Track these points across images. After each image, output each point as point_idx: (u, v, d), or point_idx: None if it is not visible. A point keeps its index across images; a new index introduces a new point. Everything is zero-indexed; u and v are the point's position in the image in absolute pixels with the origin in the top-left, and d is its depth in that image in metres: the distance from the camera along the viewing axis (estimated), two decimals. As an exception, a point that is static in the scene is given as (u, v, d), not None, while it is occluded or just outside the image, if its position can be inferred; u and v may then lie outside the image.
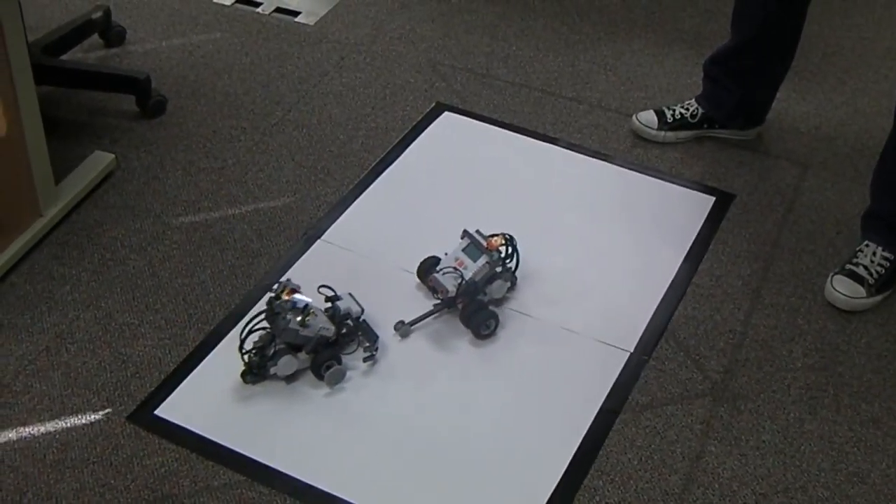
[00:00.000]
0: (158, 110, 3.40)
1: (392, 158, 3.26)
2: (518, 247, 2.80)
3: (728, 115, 3.34)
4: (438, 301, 2.76)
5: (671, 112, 3.36)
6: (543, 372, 2.64)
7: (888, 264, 2.87)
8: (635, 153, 3.33)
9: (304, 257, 2.92)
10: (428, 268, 2.80)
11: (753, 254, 2.99)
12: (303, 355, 2.56)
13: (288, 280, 2.59)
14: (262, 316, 2.54)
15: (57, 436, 2.45)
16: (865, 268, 2.86)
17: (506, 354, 2.68)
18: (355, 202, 3.10)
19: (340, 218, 3.05)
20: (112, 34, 3.70)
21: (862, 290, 2.84)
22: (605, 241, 3.01)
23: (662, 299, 2.85)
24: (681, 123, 3.35)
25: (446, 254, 2.75)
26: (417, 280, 2.83)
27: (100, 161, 3.13)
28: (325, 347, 2.57)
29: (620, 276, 2.91)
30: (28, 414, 2.49)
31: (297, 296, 2.55)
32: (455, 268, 2.71)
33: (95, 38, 3.69)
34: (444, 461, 2.42)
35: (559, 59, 3.75)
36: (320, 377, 2.57)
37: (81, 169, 3.09)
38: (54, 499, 2.32)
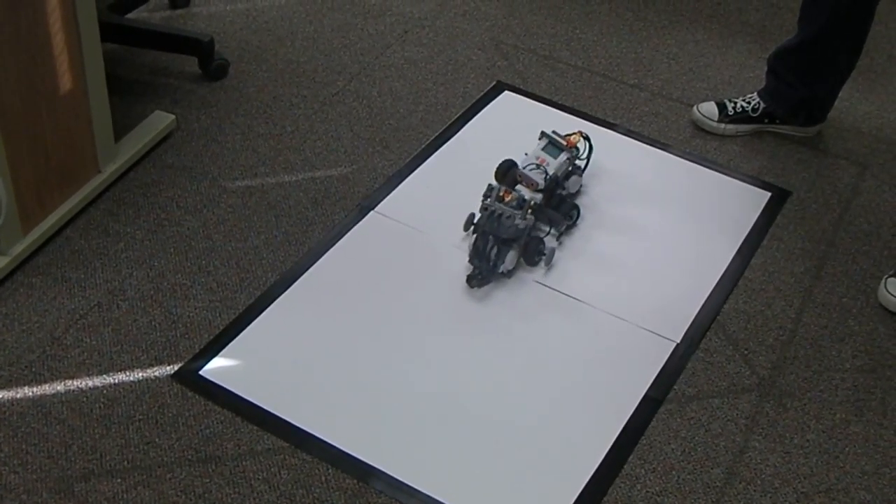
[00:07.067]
0: (220, 73, 3.41)
1: (450, 134, 3.26)
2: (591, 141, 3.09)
3: (790, 111, 3.32)
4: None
5: (732, 105, 3.34)
6: (588, 357, 2.64)
7: (944, 270, 2.86)
8: (694, 144, 3.31)
9: (356, 228, 2.92)
10: (506, 169, 2.98)
11: (807, 252, 2.98)
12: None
13: (497, 185, 2.84)
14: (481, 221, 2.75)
15: (104, 391, 2.47)
16: (920, 272, 2.85)
17: (551, 337, 2.67)
18: (411, 176, 3.10)
19: (395, 191, 3.05)
20: (178, -5, 3.72)
21: (915, 295, 2.83)
22: (658, 230, 3.00)
23: (712, 291, 2.84)
24: (741, 117, 3.33)
25: (526, 154, 2.96)
26: (468, 256, 2.82)
27: (160, 121, 3.15)
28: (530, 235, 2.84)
29: (671, 265, 2.90)
30: (77, 368, 2.52)
31: (515, 192, 2.80)
32: (538, 164, 2.91)
33: (161, -2, 3.72)
34: (483, 440, 2.43)
35: (622, 44, 3.73)
36: (534, 263, 2.84)
37: (141, 128, 3.11)
38: (99, 453, 2.34)
